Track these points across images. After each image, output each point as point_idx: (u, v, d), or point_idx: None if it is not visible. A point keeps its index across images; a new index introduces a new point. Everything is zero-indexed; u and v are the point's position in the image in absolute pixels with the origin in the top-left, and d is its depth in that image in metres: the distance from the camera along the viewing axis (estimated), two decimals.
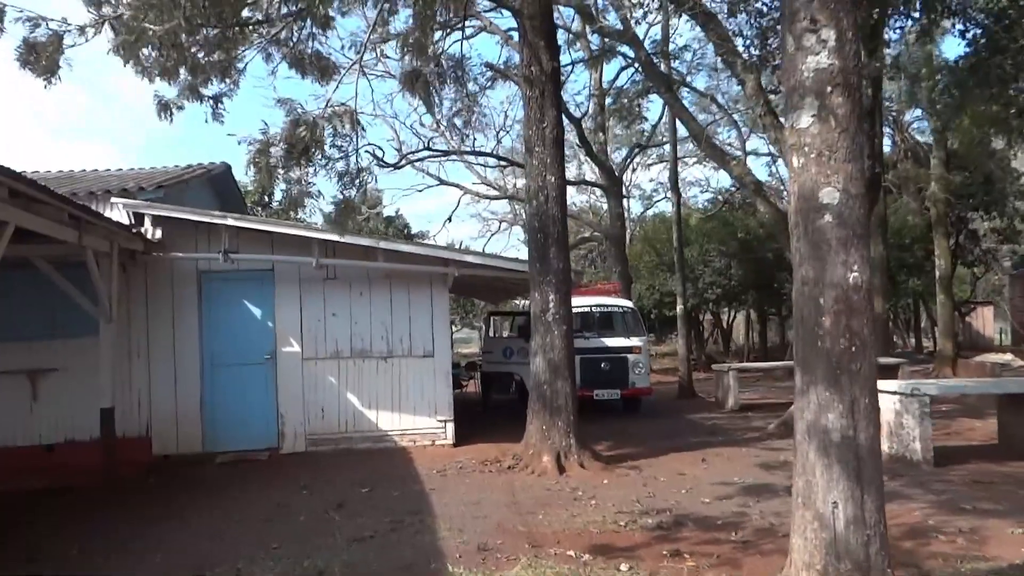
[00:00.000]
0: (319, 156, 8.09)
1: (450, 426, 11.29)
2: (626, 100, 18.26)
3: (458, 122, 13.49)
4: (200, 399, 10.82)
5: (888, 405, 9.71)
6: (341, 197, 8.34)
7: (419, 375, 11.28)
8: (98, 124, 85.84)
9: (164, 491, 8.85)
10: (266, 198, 24.65)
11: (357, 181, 8.16)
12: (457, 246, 25.00)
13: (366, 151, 19.80)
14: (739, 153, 17.88)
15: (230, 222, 10.24)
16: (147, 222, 10.39)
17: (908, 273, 26.47)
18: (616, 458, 9.88)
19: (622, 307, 15.09)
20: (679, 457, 9.99)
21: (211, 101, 8.81)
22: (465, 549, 6.05)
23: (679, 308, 18.16)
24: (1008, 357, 26.26)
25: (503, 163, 23.15)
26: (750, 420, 13.78)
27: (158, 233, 10.38)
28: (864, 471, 4.21)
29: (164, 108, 8.67)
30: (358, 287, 11.21)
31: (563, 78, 12.60)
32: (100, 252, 9.22)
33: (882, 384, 9.93)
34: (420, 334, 11.30)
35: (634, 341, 14.34)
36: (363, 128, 7.95)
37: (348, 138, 8.11)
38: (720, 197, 27.94)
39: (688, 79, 18.31)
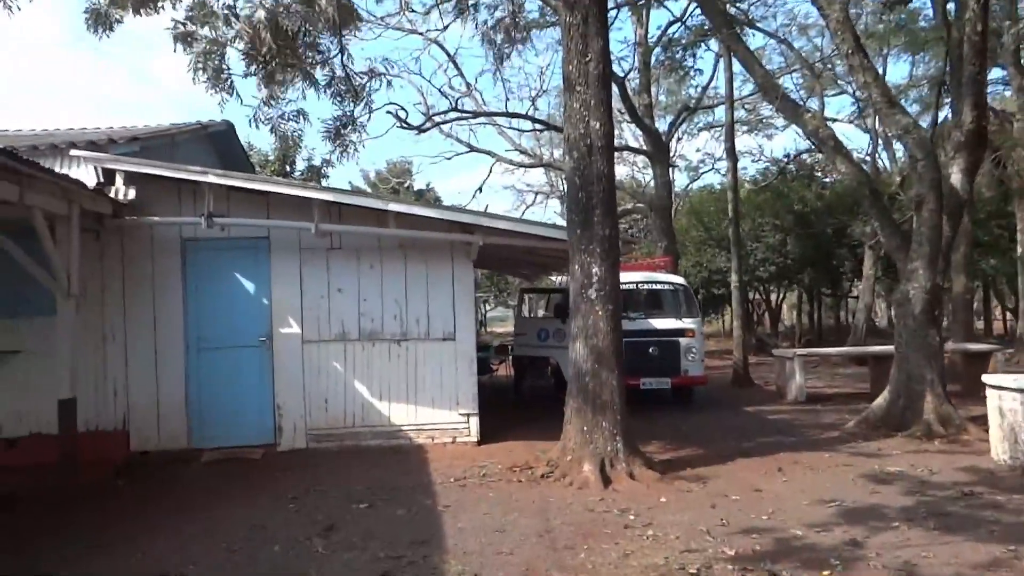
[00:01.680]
0: (293, 64, 6.38)
1: (474, 421, 9.66)
2: (678, 50, 16.27)
3: (497, 38, 11.57)
4: (185, 387, 9.32)
5: (1011, 405, 7.87)
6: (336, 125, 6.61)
7: (438, 361, 9.65)
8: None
9: (126, 499, 7.35)
10: (287, 167, 23.10)
11: (350, 97, 6.44)
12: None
13: (388, 111, 18.32)
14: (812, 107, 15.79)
15: (212, 179, 8.64)
16: (118, 180, 8.86)
17: (984, 252, 24.13)
18: (672, 465, 8.17)
19: (673, 284, 13.27)
20: (749, 465, 8.24)
21: None
22: None
23: (733, 288, 16.26)
24: None
25: (538, 127, 21.17)
26: (821, 415, 11.95)
27: (131, 193, 8.85)
28: None
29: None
30: (367, 258, 9.58)
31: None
32: (57, 215, 7.72)
33: (1006, 379, 8.08)
34: (440, 313, 9.65)
35: (687, 323, 12.55)
36: (356, 26, 6.19)
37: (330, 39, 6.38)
38: (775, 167, 25.78)
39: (752, 19, 16.22)
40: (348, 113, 7.32)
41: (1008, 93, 22.21)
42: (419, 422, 9.59)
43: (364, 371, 9.55)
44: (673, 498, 6.84)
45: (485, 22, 12.15)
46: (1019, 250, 21.26)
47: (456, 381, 9.65)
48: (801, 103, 13.69)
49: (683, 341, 12.38)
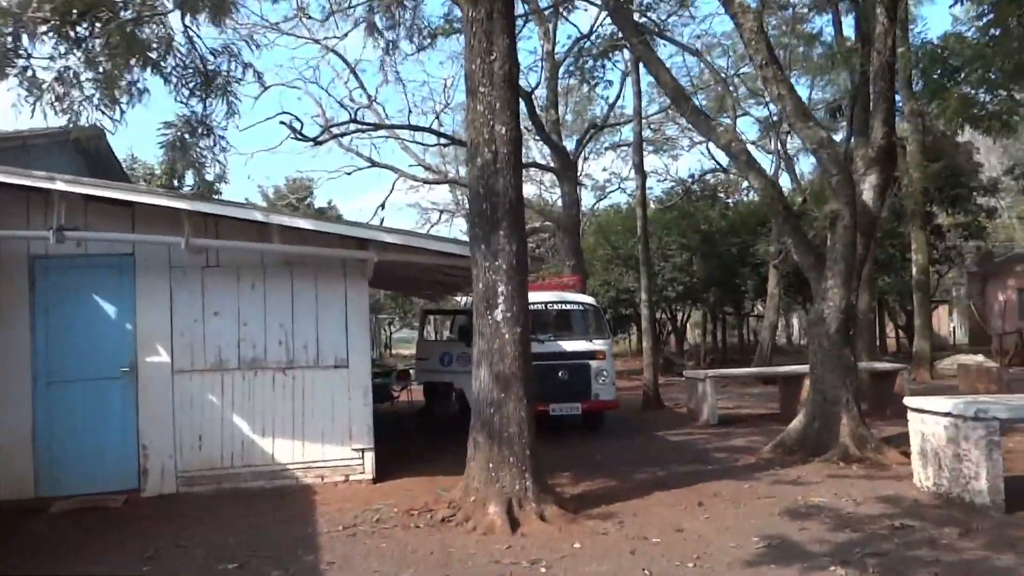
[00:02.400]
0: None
1: (369, 456, 8.75)
2: (588, 59, 15.85)
3: (379, 23, 10.53)
4: (32, 426, 8.07)
5: (934, 430, 7.53)
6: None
7: (329, 391, 8.72)
8: None
9: None
10: (175, 181, 21.59)
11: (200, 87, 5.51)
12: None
13: (281, 121, 17.26)
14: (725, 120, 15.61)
15: (62, 186, 7.50)
16: None
17: (879, 270, 24.73)
18: (585, 500, 7.49)
19: (583, 304, 12.70)
20: (667, 498, 7.63)
21: None
22: None
23: (643, 307, 15.86)
24: (980, 358, 24.78)
25: (443, 141, 20.42)
26: (734, 438, 11.56)
27: None
28: None
29: None
30: (249, 278, 8.59)
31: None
32: None
33: (929, 402, 7.75)
34: (330, 338, 8.73)
35: (598, 345, 11.98)
36: None
37: None
38: (681, 187, 25.82)
39: (664, 30, 15.93)
40: (197, 112, 6.35)
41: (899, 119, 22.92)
42: (307, 460, 8.62)
43: (245, 404, 8.53)
44: (589, 543, 6.13)
45: (370, 8, 11.12)
46: (913, 269, 21.83)
47: (349, 413, 8.73)
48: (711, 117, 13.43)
49: (594, 364, 11.80)
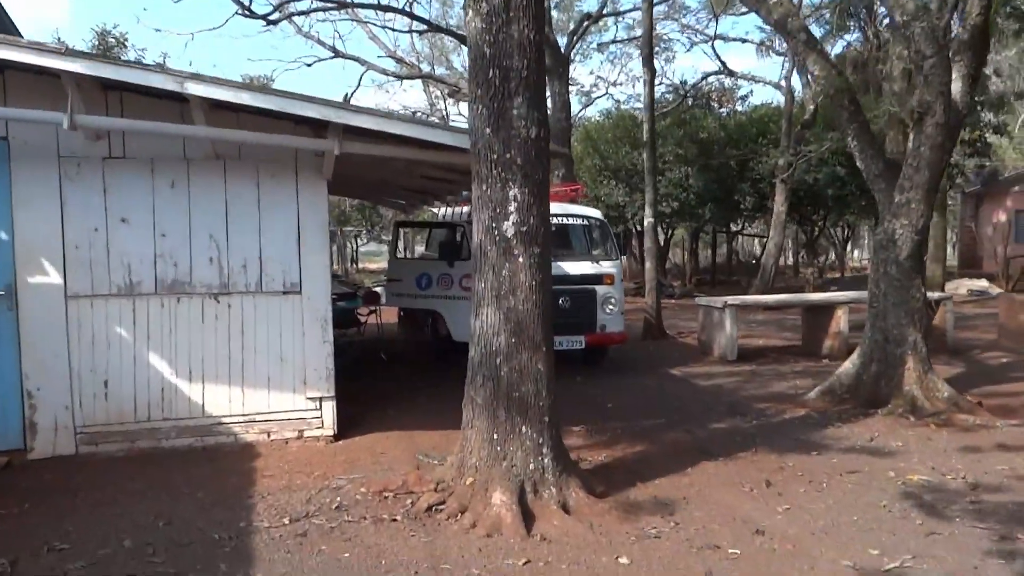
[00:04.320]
0: None
1: (328, 407, 6.84)
2: None
3: None
4: None
5: None
6: None
7: (276, 323, 6.72)
8: None
9: None
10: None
11: None
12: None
13: None
14: None
15: None
16: None
17: None
18: (613, 475, 5.70)
19: (588, 219, 10.67)
20: (721, 473, 5.85)
21: None
22: None
23: (647, 221, 13.87)
24: (985, 283, 23.41)
25: (420, 27, 17.52)
26: (764, 379, 9.84)
27: None
28: None
29: None
30: (167, 174, 6.45)
31: None
32: None
33: None
34: (278, 255, 6.68)
35: (605, 267, 10.05)
36: None
37: None
38: (680, 92, 23.50)
39: None
40: None
41: None
42: (248, 411, 6.69)
43: (165, 340, 6.51)
44: (638, 555, 4.31)
45: None
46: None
47: (304, 351, 6.77)
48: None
49: (600, 290, 9.89)
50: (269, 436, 6.73)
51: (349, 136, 6.08)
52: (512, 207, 4.91)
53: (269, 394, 6.71)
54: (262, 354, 6.68)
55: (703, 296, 16.63)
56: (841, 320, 11.29)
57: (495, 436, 4.97)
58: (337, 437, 6.85)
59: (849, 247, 37.49)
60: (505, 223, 4.93)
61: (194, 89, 5.48)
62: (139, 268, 6.42)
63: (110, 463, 6.20)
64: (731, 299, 11.70)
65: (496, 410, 5.00)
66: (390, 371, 10.43)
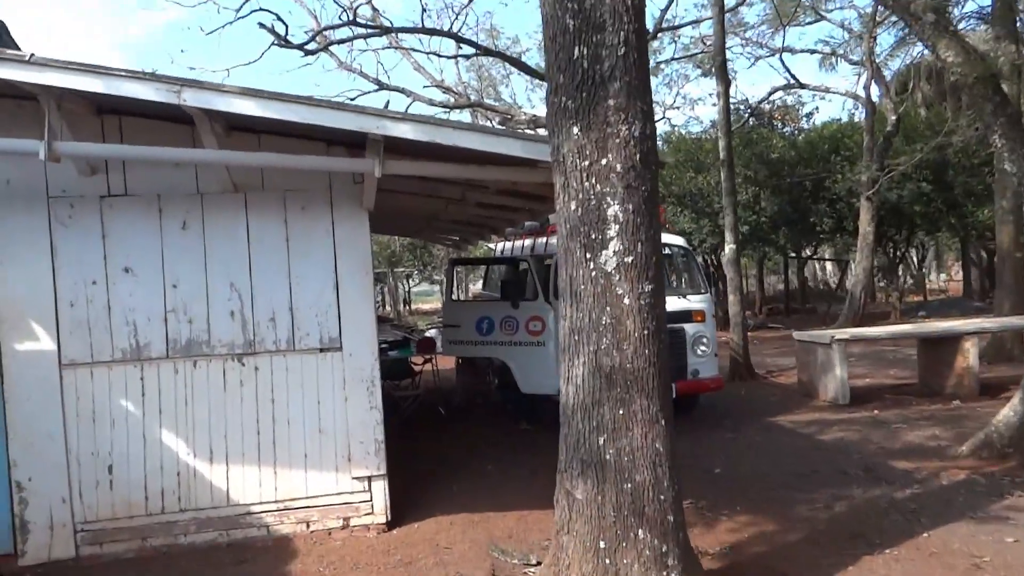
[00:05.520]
0: None
1: (379, 488, 5.58)
2: None
3: None
4: None
5: None
6: None
7: (312, 387, 5.52)
8: None
9: None
10: None
11: None
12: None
13: (260, 23, 13.85)
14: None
15: None
16: None
17: (976, 202, 21.04)
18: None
19: (671, 246, 9.30)
20: (892, 573, 4.40)
21: None
22: None
23: (728, 247, 12.43)
24: None
25: (468, 51, 16.37)
26: (891, 428, 8.29)
27: None
28: None
29: None
30: (177, 212, 5.35)
31: None
32: None
33: None
34: (312, 303, 5.50)
35: (695, 302, 8.68)
36: None
37: None
38: (747, 109, 22.03)
39: None
40: None
41: None
42: (283, 497, 5.46)
43: (180, 413, 5.35)
44: None
45: None
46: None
47: (346, 421, 5.54)
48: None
49: (690, 329, 8.50)
50: (308, 527, 5.49)
51: (392, 155, 4.89)
52: (612, 231, 3.63)
53: (307, 475, 5.49)
54: (297, 426, 5.47)
55: (789, 328, 15.07)
56: (970, 354, 9.68)
57: (601, 545, 3.64)
58: (391, 525, 5.59)
59: (927, 268, 35.24)
60: (603, 253, 3.65)
61: (194, 100, 4.33)
62: (147, 327, 5.30)
63: (117, 567, 5.08)
64: (838, 333, 10.17)
65: (602, 508, 3.67)
66: (450, 429, 9.15)
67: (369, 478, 5.57)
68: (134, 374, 5.30)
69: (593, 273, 3.68)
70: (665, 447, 3.72)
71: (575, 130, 3.65)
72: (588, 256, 3.69)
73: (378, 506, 5.58)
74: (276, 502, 5.46)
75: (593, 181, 3.63)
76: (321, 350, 5.52)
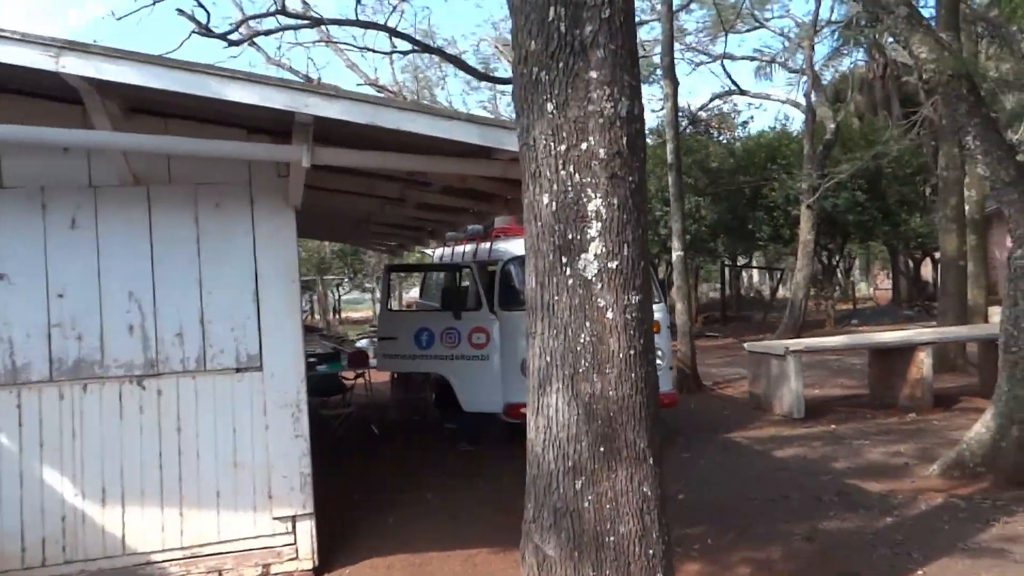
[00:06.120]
0: None
1: (305, 529, 4.82)
2: None
3: None
4: None
5: None
6: None
7: (227, 414, 4.73)
8: None
9: None
10: None
11: None
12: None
13: (178, 9, 12.85)
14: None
15: None
16: None
17: (909, 211, 21.29)
18: None
19: None
20: None
21: None
22: None
23: (676, 254, 11.99)
24: None
25: (401, 46, 15.41)
26: (852, 445, 7.90)
27: None
28: None
29: None
30: (65, 207, 4.51)
31: None
32: None
33: None
34: (228, 315, 4.72)
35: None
36: None
37: None
38: (687, 117, 21.84)
39: None
40: None
41: None
42: (190, 543, 4.65)
43: (67, 447, 4.51)
44: None
45: None
46: (965, 207, 18.34)
47: (267, 452, 4.77)
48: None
49: None
50: None
51: (323, 143, 4.16)
52: (593, 230, 3.00)
53: (219, 516, 4.69)
54: (208, 459, 4.68)
55: (727, 337, 14.77)
56: (924, 365, 9.41)
57: None
58: (318, 571, 4.84)
59: (855, 277, 35.79)
60: (583, 257, 3.01)
61: (68, 65, 3.53)
62: (26, 345, 4.44)
63: None
64: (792, 344, 9.79)
65: (579, 566, 3.02)
66: (385, 451, 8.39)
67: (293, 518, 4.81)
68: (9, 400, 4.44)
69: (570, 281, 3.04)
70: (653, 491, 3.10)
71: (549, 107, 3.01)
72: (564, 261, 3.05)
73: (303, 550, 4.82)
74: (182, 548, 4.64)
75: (571, 169, 3.00)
76: (237, 370, 4.74)
